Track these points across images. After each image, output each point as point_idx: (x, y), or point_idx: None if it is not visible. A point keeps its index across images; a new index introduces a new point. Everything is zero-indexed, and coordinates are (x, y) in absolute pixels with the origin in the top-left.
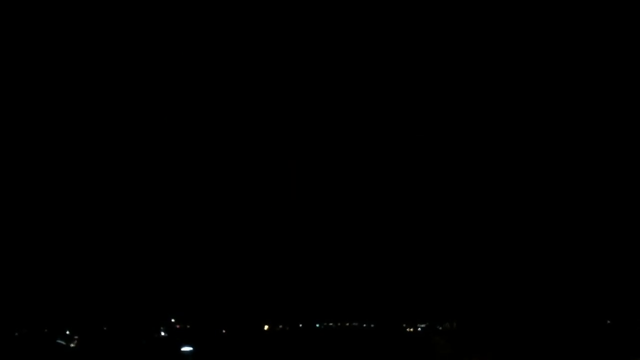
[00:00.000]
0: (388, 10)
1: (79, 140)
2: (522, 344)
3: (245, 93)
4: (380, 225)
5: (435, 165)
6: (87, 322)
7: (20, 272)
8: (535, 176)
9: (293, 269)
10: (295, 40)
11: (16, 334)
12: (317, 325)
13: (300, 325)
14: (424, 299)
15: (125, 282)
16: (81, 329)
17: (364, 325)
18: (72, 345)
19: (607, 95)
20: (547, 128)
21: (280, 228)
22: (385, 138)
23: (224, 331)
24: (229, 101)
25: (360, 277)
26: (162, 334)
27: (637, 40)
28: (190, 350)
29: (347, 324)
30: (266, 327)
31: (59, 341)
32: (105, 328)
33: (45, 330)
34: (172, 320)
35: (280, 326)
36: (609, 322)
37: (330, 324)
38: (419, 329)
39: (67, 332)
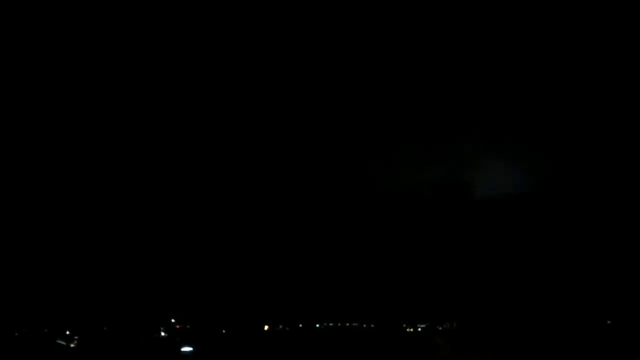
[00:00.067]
0: (388, 10)
1: (79, 140)
2: (522, 344)
3: (245, 93)
4: (380, 226)
5: (434, 166)
6: (87, 322)
7: (20, 272)
8: (534, 177)
9: (293, 269)
10: (295, 40)
11: (16, 334)
12: (317, 326)
13: (300, 325)
14: (424, 299)
15: (125, 282)
16: (81, 329)
17: (364, 325)
18: (72, 345)
19: (608, 95)
20: (547, 128)
21: (280, 228)
22: (385, 138)
23: (224, 331)
24: (230, 101)
25: (360, 277)
26: (162, 334)
27: (637, 40)
28: (190, 351)
29: (347, 324)
30: (266, 327)
31: (59, 341)
32: (105, 328)
33: (45, 330)
34: (172, 320)
35: (280, 326)
36: (609, 322)
37: (330, 324)
38: (419, 329)
39: (67, 332)
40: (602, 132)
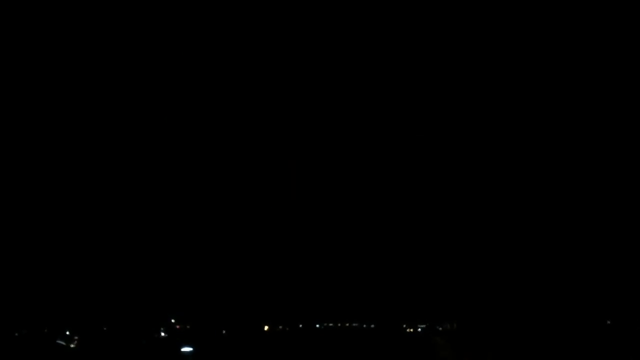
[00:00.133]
0: (388, 10)
1: (79, 140)
2: (522, 344)
3: (246, 93)
4: (380, 226)
5: (435, 166)
6: (87, 323)
7: (20, 272)
8: (534, 177)
9: (293, 269)
10: (295, 40)
11: (16, 334)
12: (317, 326)
13: (300, 325)
14: (424, 299)
15: (125, 282)
16: (81, 329)
17: (364, 325)
18: (72, 345)
19: (608, 96)
20: (547, 128)
21: (280, 228)
22: (385, 138)
23: (224, 332)
24: (229, 102)
25: (360, 277)
26: (162, 334)
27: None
28: (190, 351)
29: (347, 324)
30: (266, 328)
31: (59, 341)
32: (105, 328)
33: (45, 330)
34: (172, 320)
35: (280, 326)
36: (609, 322)
37: (330, 324)
38: (419, 329)
39: (67, 333)
40: (603, 133)
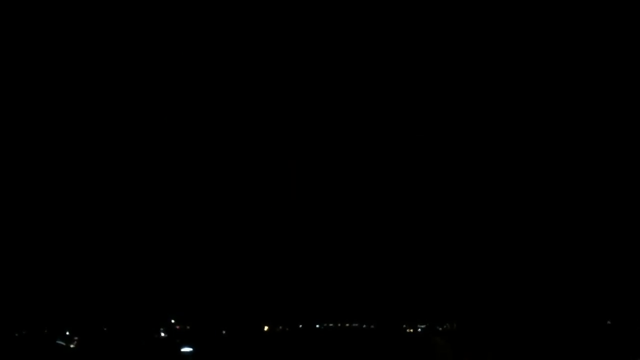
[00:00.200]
0: (388, 10)
1: (79, 140)
2: (522, 344)
3: (246, 93)
4: (380, 226)
5: (435, 166)
6: (87, 323)
7: (20, 273)
8: (534, 177)
9: (293, 269)
10: (295, 40)
11: (16, 334)
12: (317, 326)
13: (300, 325)
14: (424, 299)
15: (125, 282)
16: (81, 330)
17: (364, 325)
18: (72, 345)
19: (607, 95)
20: (547, 128)
21: (280, 228)
22: (385, 138)
23: (224, 332)
24: (229, 102)
25: (360, 277)
26: (162, 334)
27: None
28: (190, 351)
29: (347, 324)
30: (266, 328)
31: (59, 342)
32: (105, 328)
33: (45, 330)
34: (172, 320)
35: (280, 327)
36: (609, 322)
37: (330, 324)
38: (419, 329)
39: (67, 333)
40: (602, 132)
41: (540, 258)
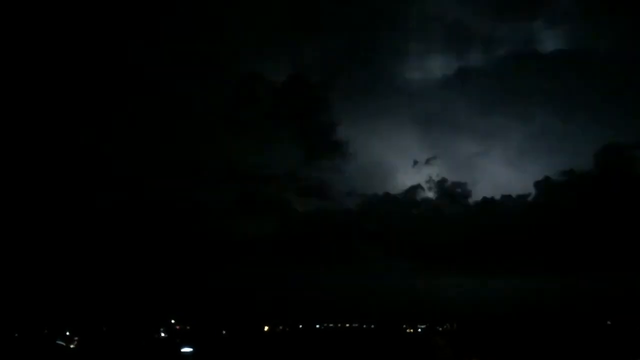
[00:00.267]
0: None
1: (79, 140)
2: (522, 344)
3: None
4: (379, 226)
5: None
6: (87, 323)
7: (20, 273)
8: (534, 176)
9: (293, 269)
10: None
11: (16, 334)
12: (317, 326)
13: (300, 325)
14: (424, 299)
15: (125, 283)
16: (81, 330)
17: (364, 325)
18: (72, 345)
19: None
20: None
21: (279, 228)
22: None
23: (224, 332)
24: (228, 101)
25: (360, 277)
26: (162, 334)
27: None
28: (190, 351)
29: (347, 325)
30: (266, 328)
31: (59, 342)
32: (105, 328)
33: (45, 330)
34: (172, 320)
35: (280, 327)
36: (609, 322)
37: (331, 324)
38: (419, 329)
39: (67, 333)
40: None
41: (539, 258)
